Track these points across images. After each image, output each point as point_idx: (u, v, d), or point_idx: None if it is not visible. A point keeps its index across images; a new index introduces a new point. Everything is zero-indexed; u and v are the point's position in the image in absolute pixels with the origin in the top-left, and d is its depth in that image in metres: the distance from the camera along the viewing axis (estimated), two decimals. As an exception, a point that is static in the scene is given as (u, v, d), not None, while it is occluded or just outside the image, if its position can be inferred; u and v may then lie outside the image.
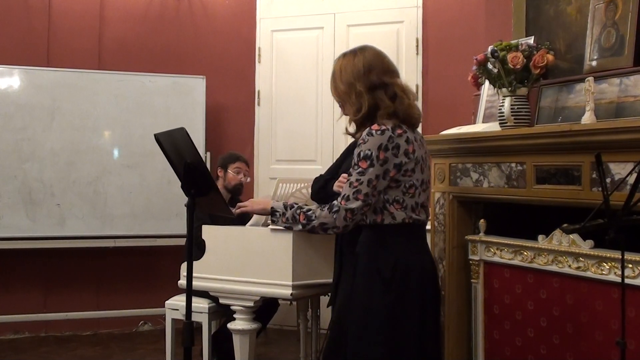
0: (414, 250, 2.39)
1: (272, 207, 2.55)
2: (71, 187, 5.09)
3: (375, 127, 2.32)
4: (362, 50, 2.47)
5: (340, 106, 2.54)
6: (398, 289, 2.31)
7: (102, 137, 5.20)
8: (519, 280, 3.09)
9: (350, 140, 3.13)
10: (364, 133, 2.33)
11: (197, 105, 5.36)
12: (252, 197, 5.16)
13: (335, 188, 2.82)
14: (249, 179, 4.55)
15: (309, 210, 2.45)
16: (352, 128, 2.52)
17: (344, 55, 2.49)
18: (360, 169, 2.32)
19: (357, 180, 2.32)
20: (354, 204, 2.32)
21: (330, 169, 3.06)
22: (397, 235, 2.35)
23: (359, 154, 2.33)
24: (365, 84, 2.38)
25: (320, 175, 3.04)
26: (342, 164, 2.96)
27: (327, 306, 2.94)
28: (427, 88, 5.11)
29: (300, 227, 2.46)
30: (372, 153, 2.30)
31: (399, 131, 2.34)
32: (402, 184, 2.34)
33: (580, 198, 2.77)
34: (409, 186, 2.35)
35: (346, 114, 2.49)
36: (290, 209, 2.48)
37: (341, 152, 3.06)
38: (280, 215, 2.51)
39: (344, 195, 2.36)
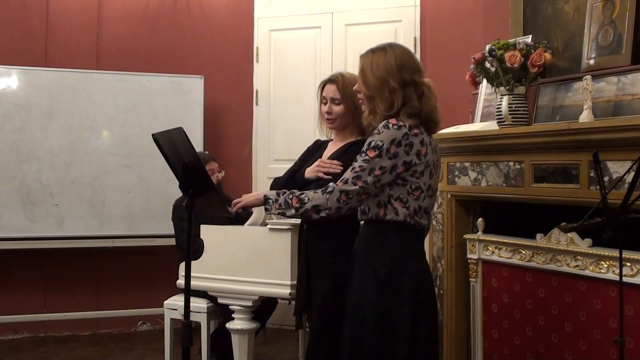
0: (411, 253, 2.37)
1: (264, 195, 2.52)
2: (69, 187, 5.08)
3: (393, 121, 2.31)
4: (392, 47, 2.44)
5: (363, 102, 2.47)
6: (392, 291, 2.31)
7: (100, 137, 5.20)
8: (518, 279, 3.09)
9: (309, 139, 3.12)
10: (381, 125, 2.32)
11: (195, 105, 5.35)
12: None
13: (308, 174, 2.80)
14: (223, 173, 4.57)
15: (302, 194, 2.42)
16: (375, 123, 2.44)
17: (373, 51, 2.45)
18: (366, 157, 2.30)
19: (360, 166, 2.31)
20: (351, 187, 2.31)
21: (292, 166, 3.05)
22: (396, 235, 2.34)
23: (369, 143, 2.31)
24: (398, 80, 2.35)
25: (279, 177, 3.04)
26: (304, 165, 2.95)
27: (294, 314, 2.92)
28: (425, 87, 5.10)
29: (293, 211, 2.42)
30: (383, 145, 2.28)
31: (415, 131, 2.32)
32: (409, 184, 2.32)
33: (578, 197, 2.77)
34: (414, 188, 2.33)
35: (370, 111, 2.43)
36: (283, 195, 2.46)
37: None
38: (273, 202, 2.47)
39: (343, 178, 2.34)
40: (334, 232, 2.67)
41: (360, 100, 2.51)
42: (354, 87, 2.55)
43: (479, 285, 3.30)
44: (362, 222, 2.51)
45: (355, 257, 2.45)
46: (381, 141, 2.29)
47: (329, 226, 2.58)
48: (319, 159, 2.84)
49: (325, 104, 2.89)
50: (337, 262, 2.67)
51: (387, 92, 2.35)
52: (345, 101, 2.82)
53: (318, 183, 2.72)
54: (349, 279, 2.47)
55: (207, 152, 4.63)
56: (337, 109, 2.86)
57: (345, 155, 2.76)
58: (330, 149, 2.96)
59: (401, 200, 2.33)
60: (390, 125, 2.30)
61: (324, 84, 2.93)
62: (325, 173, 2.74)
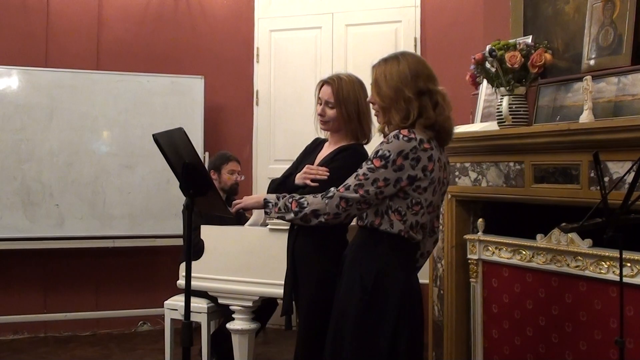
0: (399, 265, 2.34)
1: (264, 199, 2.50)
2: (70, 188, 5.08)
3: (404, 132, 2.26)
4: (404, 55, 2.39)
5: (379, 113, 2.43)
6: (376, 302, 2.28)
7: (100, 138, 5.20)
8: (518, 279, 3.09)
9: (309, 140, 3.12)
10: (392, 134, 2.27)
11: (196, 105, 5.36)
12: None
13: (297, 180, 2.79)
14: (243, 177, 4.56)
15: (302, 197, 2.40)
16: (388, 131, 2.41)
17: (386, 61, 2.39)
18: (371, 166, 2.26)
19: (364, 174, 2.27)
20: (351, 195, 2.28)
21: (289, 167, 3.04)
22: (387, 245, 2.32)
23: (376, 152, 2.27)
24: (414, 89, 2.30)
25: (275, 178, 3.03)
26: (301, 163, 2.94)
27: (282, 315, 2.91)
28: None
29: (292, 215, 2.40)
30: (390, 155, 2.23)
31: (425, 145, 2.27)
32: (410, 198, 2.28)
33: (579, 197, 2.77)
34: (415, 202, 2.29)
35: (385, 122, 2.39)
36: (283, 198, 2.44)
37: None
38: (272, 205, 2.46)
39: (345, 184, 2.31)
40: (321, 233, 2.65)
41: (375, 112, 2.47)
42: (368, 99, 2.51)
43: (479, 286, 3.30)
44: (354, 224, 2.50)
45: (345, 261, 2.44)
46: (388, 151, 2.24)
47: (319, 231, 2.56)
48: (307, 165, 2.83)
49: (320, 104, 2.88)
50: (322, 263, 2.67)
51: (402, 102, 2.30)
52: (339, 106, 2.79)
53: (304, 190, 2.70)
54: (338, 282, 2.46)
55: (229, 152, 4.59)
56: (330, 112, 2.83)
57: (333, 163, 2.75)
58: (324, 151, 2.95)
59: (399, 212, 2.29)
60: (401, 136, 2.25)
61: (321, 84, 2.92)
62: (312, 180, 2.72)
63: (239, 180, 4.45)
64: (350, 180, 2.31)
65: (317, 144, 3.05)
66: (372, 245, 2.34)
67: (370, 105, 2.53)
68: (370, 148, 2.54)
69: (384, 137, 2.37)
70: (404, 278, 2.34)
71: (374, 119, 2.65)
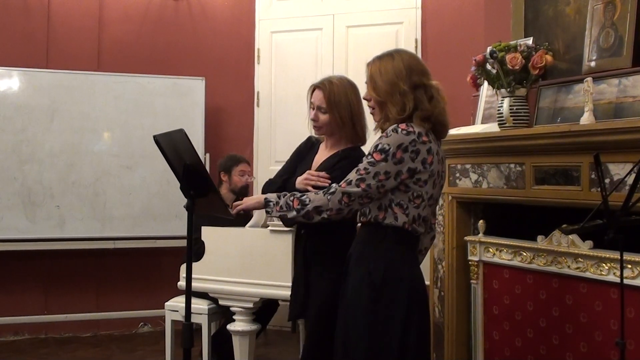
0: (405, 259, 2.36)
1: (265, 198, 2.50)
2: (71, 189, 5.09)
3: (403, 126, 2.29)
4: (398, 52, 2.44)
5: (375, 110, 2.46)
6: (386, 298, 2.29)
7: (101, 139, 5.21)
8: (519, 280, 3.09)
9: (300, 140, 3.11)
10: (390, 128, 2.31)
11: (197, 106, 5.36)
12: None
13: (298, 186, 2.78)
14: (253, 179, 4.57)
15: (303, 195, 2.41)
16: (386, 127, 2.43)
17: (380, 57, 2.44)
18: (372, 159, 2.29)
19: (365, 169, 2.29)
20: (353, 189, 2.29)
21: (284, 169, 3.02)
22: (392, 240, 2.33)
23: (376, 146, 2.30)
24: (409, 83, 2.34)
25: (271, 179, 3.01)
26: (297, 166, 2.93)
27: (289, 319, 2.89)
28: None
29: (294, 213, 2.40)
30: (389, 149, 2.27)
31: (424, 138, 2.31)
32: (411, 191, 2.31)
33: (579, 198, 2.77)
34: (416, 195, 2.32)
35: (383, 118, 2.42)
36: (284, 197, 2.44)
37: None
38: (274, 204, 2.46)
39: (346, 179, 2.33)
40: (333, 238, 2.65)
41: (371, 108, 2.49)
42: (363, 96, 2.53)
43: (480, 287, 3.30)
44: (359, 225, 2.50)
45: (350, 260, 2.44)
46: (388, 145, 2.27)
47: (328, 231, 2.56)
48: (307, 171, 2.81)
49: (313, 109, 2.88)
50: (336, 268, 2.66)
51: (398, 95, 2.34)
52: (331, 111, 2.80)
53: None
54: (343, 280, 2.46)
55: (239, 154, 4.57)
56: (323, 117, 2.83)
57: (335, 171, 2.74)
58: (321, 154, 2.94)
59: (401, 206, 2.32)
60: (400, 129, 2.28)
61: (312, 89, 2.92)
62: (313, 186, 2.72)
63: (249, 181, 4.46)
64: (352, 175, 2.33)
65: (311, 145, 3.04)
66: (378, 241, 2.35)
67: (366, 102, 2.55)
68: (368, 146, 2.55)
69: (382, 132, 2.40)
70: (411, 273, 2.36)
71: (369, 119, 2.66)
